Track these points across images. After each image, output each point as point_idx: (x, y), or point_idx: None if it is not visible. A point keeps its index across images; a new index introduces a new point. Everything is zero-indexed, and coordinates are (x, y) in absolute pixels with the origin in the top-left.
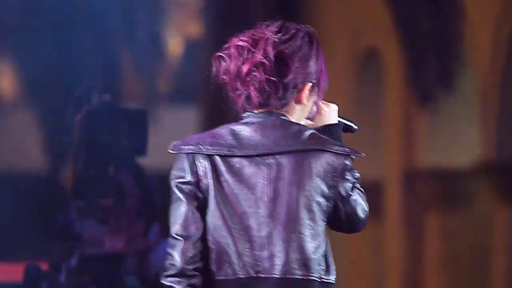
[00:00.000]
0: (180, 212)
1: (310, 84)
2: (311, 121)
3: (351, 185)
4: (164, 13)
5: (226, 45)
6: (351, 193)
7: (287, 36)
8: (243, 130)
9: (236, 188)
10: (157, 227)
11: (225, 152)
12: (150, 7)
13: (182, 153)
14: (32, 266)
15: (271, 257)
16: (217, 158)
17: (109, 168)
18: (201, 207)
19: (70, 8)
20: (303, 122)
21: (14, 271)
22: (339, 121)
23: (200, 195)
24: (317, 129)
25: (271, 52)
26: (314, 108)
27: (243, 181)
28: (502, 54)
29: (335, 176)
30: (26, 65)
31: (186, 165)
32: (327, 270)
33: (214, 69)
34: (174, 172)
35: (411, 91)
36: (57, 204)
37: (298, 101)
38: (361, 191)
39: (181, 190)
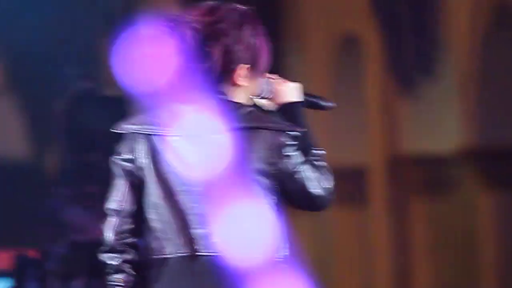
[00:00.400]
0: (116, 187)
1: (244, 65)
2: (270, 100)
3: (295, 162)
4: None
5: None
6: (296, 169)
7: (214, 18)
8: (183, 111)
9: (173, 166)
10: None
11: (164, 132)
12: None
13: (123, 132)
14: (20, 254)
15: (208, 235)
16: (156, 138)
17: (92, 155)
18: (138, 184)
19: None
20: (258, 102)
21: (3, 258)
22: (305, 99)
23: (137, 173)
24: (277, 108)
25: (191, 37)
26: (267, 87)
27: (181, 160)
28: (481, 39)
29: (273, 152)
30: (9, 53)
31: (126, 143)
32: (274, 249)
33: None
34: (116, 150)
35: (391, 77)
36: (43, 192)
37: (233, 83)
38: (319, 167)
39: (118, 167)
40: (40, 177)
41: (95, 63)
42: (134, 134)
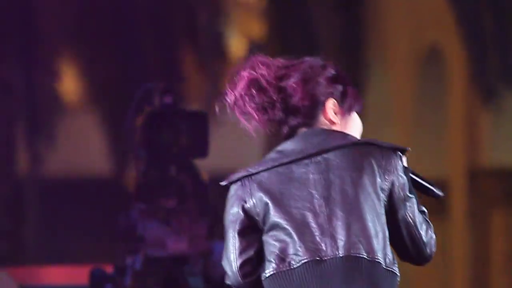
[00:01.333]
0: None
1: (331, 100)
2: None
3: (406, 183)
4: (226, 14)
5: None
6: (408, 194)
7: (292, 63)
8: (285, 145)
9: (287, 188)
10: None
11: (271, 165)
12: (213, 7)
13: (233, 183)
14: (97, 269)
15: (333, 239)
16: (265, 174)
17: (171, 169)
18: (248, 229)
19: (132, 10)
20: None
21: (79, 274)
22: (415, 179)
23: (254, 217)
24: None
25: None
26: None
27: (294, 180)
28: None
29: (385, 169)
30: (88, 68)
31: (234, 193)
32: (392, 259)
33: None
34: (226, 207)
35: (474, 89)
36: (120, 206)
37: (328, 119)
38: (425, 217)
39: (230, 222)
40: (118, 192)
41: (177, 77)
42: (242, 180)
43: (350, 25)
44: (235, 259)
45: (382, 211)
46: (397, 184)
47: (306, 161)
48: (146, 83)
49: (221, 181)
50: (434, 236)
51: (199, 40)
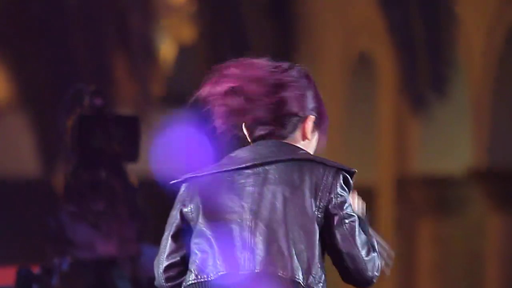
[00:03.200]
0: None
1: (312, 117)
2: None
3: (346, 202)
4: (157, 18)
5: (224, 75)
6: (348, 212)
7: (284, 67)
8: (239, 151)
9: (223, 198)
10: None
11: (217, 170)
12: (144, 11)
13: (180, 182)
14: (24, 269)
15: (253, 254)
16: (209, 178)
17: (101, 172)
18: (180, 231)
19: (63, 12)
20: None
21: (6, 275)
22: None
23: (180, 221)
24: None
25: (269, 84)
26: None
27: (231, 189)
28: (495, 60)
29: (325, 186)
30: (18, 70)
31: (181, 196)
32: (318, 279)
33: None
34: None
35: (404, 97)
36: (49, 208)
37: (303, 134)
38: (373, 245)
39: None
40: (47, 193)
41: (107, 80)
42: (187, 183)
43: (281, 32)
44: (162, 261)
45: (315, 229)
46: (334, 202)
47: (249, 171)
48: (76, 84)
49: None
50: (377, 261)
51: (130, 43)
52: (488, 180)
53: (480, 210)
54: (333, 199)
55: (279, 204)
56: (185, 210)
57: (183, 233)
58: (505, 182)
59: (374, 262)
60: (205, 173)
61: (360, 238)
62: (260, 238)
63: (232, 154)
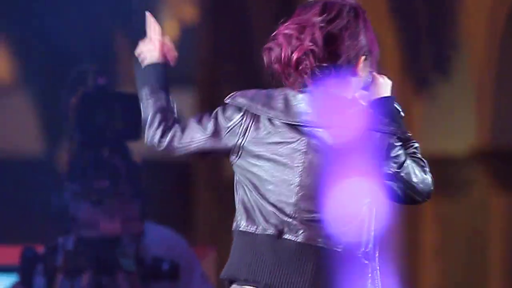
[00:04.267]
0: (198, 133)
1: (364, 57)
2: (365, 91)
3: (400, 161)
4: None
5: (274, 34)
6: (398, 170)
7: (332, 15)
8: (295, 99)
9: (273, 153)
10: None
11: (271, 115)
12: None
13: (234, 105)
14: (28, 249)
15: (297, 224)
16: (263, 119)
17: (104, 151)
18: (223, 152)
19: None
20: (358, 93)
21: (10, 254)
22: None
23: (230, 143)
24: (371, 101)
25: (319, 37)
26: (369, 79)
27: (282, 147)
28: (498, 40)
29: (380, 154)
30: (20, 48)
31: (234, 116)
32: (365, 248)
33: (265, 59)
34: (220, 116)
35: (406, 77)
36: (52, 186)
37: (354, 75)
38: (418, 160)
39: (217, 124)
40: (49, 172)
41: (110, 59)
42: (244, 109)
43: (285, 11)
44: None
45: (364, 198)
46: (389, 168)
47: (301, 128)
48: (79, 64)
49: (154, 162)
50: (423, 176)
51: (132, 22)
52: (491, 160)
53: (483, 190)
54: None
55: None
56: None
57: None
58: (508, 163)
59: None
60: (259, 112)
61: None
62: None
63: (289, 96)
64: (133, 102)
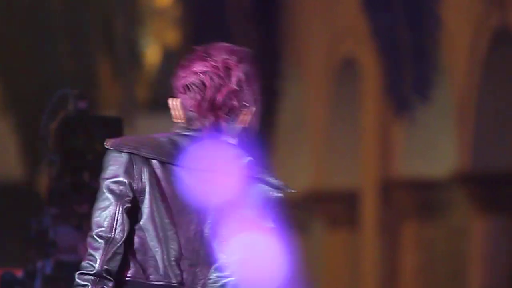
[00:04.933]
0: (107, 212)
1: (250, 107)
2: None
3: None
4: (142, 22)
5: (188, 66)
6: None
7: (241, 58)
8: (184, 142)
9: (170, 197)
10: None
11: (164, 159)
12: (128, 15)
13: (118, 152)
14: (7, 273)
15: (195, 271)
16: (155, 163)
17: (84, 175)
18: (131, 208)
19: (49, 17)
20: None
21: None
22: None
23: (131, 196)
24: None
25: (240, 78)
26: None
27: (178, 191)
28: (479, 65)
29: (266, 205)
30: (3, 73)
31: (121, 164)
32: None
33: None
34: (108, 171)
35: (388, 100)
36: (32, 210)
37: (243, 123)
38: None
39: (111, 191)
40: (29, 196)
41: (91, 83)
42: (131, 155)
43: (266, 36)
44: None
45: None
46: (271, 220)
47: (196, 173)
48: (62, 88)
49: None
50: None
51: (115, 47)
52: (471, 183)
53: (463, 213)
54: None
55: None
56: None
57: None
58: (487, 185)
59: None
60: (151, 156)
61: None
62: None
63: (175, 139)
64: (113, 125)
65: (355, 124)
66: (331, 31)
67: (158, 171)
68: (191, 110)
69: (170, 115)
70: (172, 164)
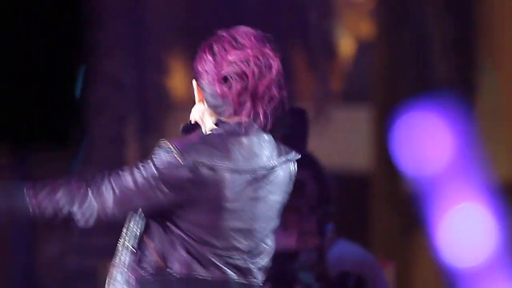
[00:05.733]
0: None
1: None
2: None
3: None
4: (335, 13)
5: (220, 54)
6: None
7: (275, 46)
8: (241, 145)
9: (225, 201)
10: (331, 225)
11: (221, 165)
12: (322, 7)
13: (182, 159)
14: None
15: (250, 269)
16: (216, 169)
17: None
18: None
19: (244, 9)
20: None
21: None
22: None
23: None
24: None
25: (279, 67)
26: None
27: (232, 195)
28: None
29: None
30: None
31: (183, 168)
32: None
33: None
34: (164, 164)
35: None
36: None
37: (276, 112)
38: None
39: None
40: None
41: (286, 75)
42: (195, 162)
43: (462, 26)
44: None
45: None
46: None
47: (249, 174)
48: None
49: None
50: None
51: (309, 39)
52: None
53: None
54: None
55: None
56: None
57: None
58: None
59: None
60: (213, 164)
61: None
62: None
63: (234, 142)
64: (299, 116)
65: None
66: None
67: (214, 177)
68: (227, 99)
69: (363, 107)
70: (228, 170)
